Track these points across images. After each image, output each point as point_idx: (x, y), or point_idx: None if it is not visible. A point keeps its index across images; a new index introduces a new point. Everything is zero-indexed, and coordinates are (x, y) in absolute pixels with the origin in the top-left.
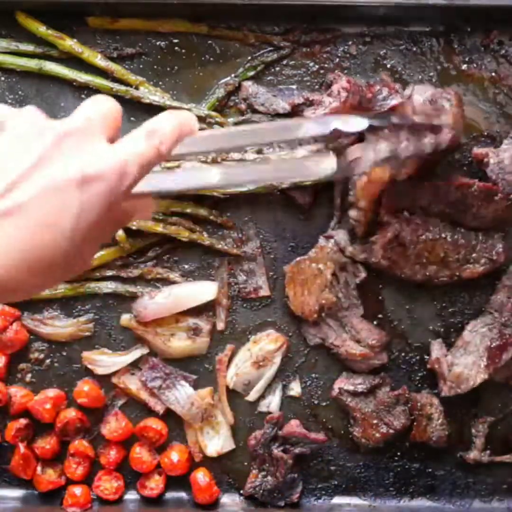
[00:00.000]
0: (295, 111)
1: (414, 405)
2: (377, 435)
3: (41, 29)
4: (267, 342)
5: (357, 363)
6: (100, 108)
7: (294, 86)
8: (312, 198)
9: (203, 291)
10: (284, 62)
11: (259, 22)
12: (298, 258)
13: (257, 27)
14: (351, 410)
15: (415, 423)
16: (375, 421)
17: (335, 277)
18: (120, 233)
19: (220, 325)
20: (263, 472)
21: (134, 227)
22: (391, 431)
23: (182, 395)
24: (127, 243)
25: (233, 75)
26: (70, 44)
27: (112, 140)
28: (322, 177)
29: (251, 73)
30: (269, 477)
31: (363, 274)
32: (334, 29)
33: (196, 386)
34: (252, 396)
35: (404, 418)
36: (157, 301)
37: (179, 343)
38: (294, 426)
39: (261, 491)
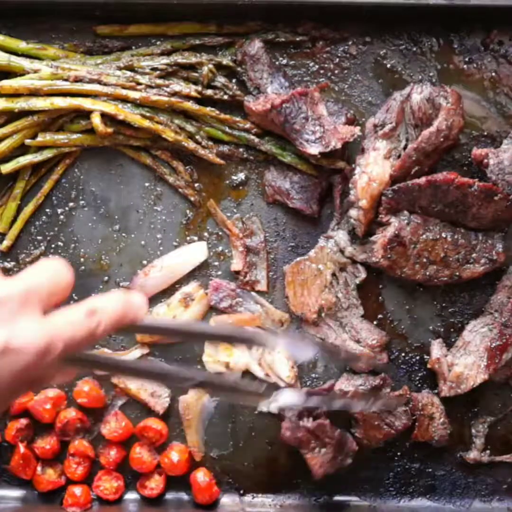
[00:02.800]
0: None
1: (415, 405)
2: (379, 436)
3: (22, 46)
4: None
5: (357, 363)
6: (42, 277)
7: (296, 82)
8: (319, 205)
9: (194, 253)
10: (284, 61)
11: (268, 20)
12: (298, 259)
13: (266, 24)
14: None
15: (417, 423)
16: (376, 422)
17: (335, 277)
18: (96, 121)
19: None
20: (315, 450)
21: (120, 118)
22: (392, 431)
23: (255, 308)
24: (105, 128)
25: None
26: (53, 52)
27: (48, 311)
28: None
29: (264, 35)
30: (323, 450)
31: (363, 275)
32: (340, 29)
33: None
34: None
35: (405, 419)
36: (153, 276)
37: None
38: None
39: (328, 464)
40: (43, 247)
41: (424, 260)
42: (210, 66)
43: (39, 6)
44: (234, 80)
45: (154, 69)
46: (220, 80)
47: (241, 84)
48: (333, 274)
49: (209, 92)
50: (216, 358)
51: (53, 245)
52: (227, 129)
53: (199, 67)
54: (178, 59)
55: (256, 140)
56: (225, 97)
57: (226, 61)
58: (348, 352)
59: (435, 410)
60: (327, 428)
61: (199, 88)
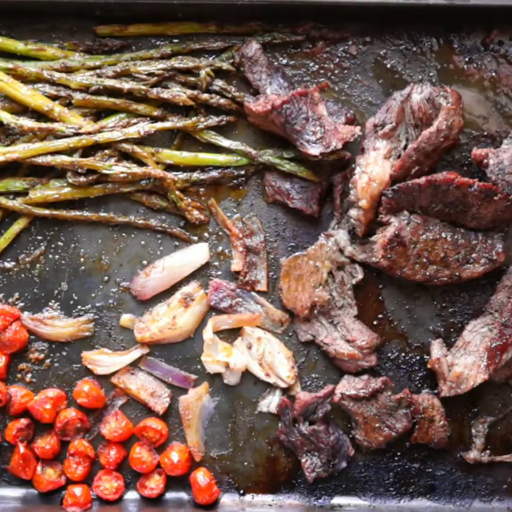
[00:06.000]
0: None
1: (417, 408)
2: (380, 438)
3: (20, 47)
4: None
5: (345, 363)
6: None
7: (296, 82)
8: (319, 205)
9: (195, 255)
10: (284, 61)
11: (268, 20)
12: (296, 253)
13: (266, 23)
14: (353, 414)
15: (417, 426)
16: (377, 425)
17: (331, 276)
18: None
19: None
20: (308, 453)
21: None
22: (393, 434)
23: (256, 308)
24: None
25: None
26: (52, 53)
27: None
28: None
29: (260, 38)
30: (316, 453)
31: (359, 276)
32: (340, 29)
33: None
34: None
35: (406, 421)
36: (154, 277)
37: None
38: (301, 398)
39: (320, 469)
40: (43, 247)
41: (424, 260)
42: (208, 69)
43: (40, 6)
44: (234, 82)
45: (150, 74)
46: (218, 83)
47: (241, 86)
48: (330, 273)
49: (205, 96)
50: (215, 358)
51: (53, 245)
52: (222, 142)
53: (197, 71)
54: (175, 63)
55: (254, 152)
56: (222, 100)
57: (225, 65)
58: None
59: (436, 412)
60: (322, 434)
61: (195, 92)
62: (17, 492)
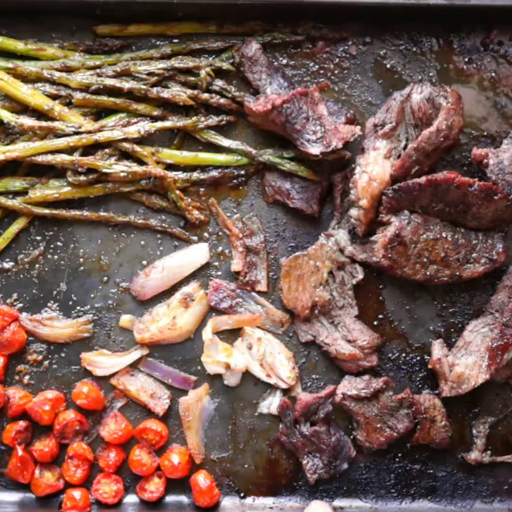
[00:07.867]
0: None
1: (418, 408)
2: (381, 438)
3: (20, 46)
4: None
5: (346, 363)
6: None
7: (296, 82)
8: (319, 205)
9: (195, 255)
10: (284, 61)
11: (268, 20)
12: (296, 253)
13: (266, 24)
14: (355, 415)
15: (418, 427)
16: (379, 425)
17: (332, 275)
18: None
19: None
20: (310, 454)
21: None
22: (395, 434)
23: (256, 308)
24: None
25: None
26: (52, 52)
27: None
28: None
29: (260, 38)
30: (317, 454)
31: (360, 275)
32: (340, 29)
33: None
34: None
35: (407, 421)
36: (154, 277)
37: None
38: (303, 399)
39: (322, 471)
40: (42, 247)
41: (425, 260)
42: (208, 69)
43: (40, 5)
44: (234, 82)
45: (150, 74)
46: (218, 83)
47: (241, 86)
48: (330, 273)
49: (205, 96)
50: (215, 359)
51: (52, 245)
52: (222, 142)
53: (197, 71)
54: (175, 63)
55: (254, 152)
56: (222, 100)
57: (225, 65)
58: None
59: (437, 413)
60: (323, 435)
61: (195, 92)
62: (14, 496)
